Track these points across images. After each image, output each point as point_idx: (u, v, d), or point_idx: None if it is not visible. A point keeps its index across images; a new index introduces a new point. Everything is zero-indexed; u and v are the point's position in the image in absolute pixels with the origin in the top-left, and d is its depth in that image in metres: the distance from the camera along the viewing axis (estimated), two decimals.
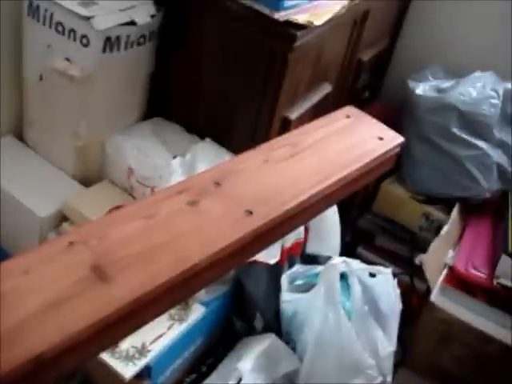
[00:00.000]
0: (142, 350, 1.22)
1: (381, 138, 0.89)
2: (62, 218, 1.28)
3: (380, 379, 1.37)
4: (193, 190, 0.69)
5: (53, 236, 1.26)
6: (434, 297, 1.51)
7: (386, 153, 0.88)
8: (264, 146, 0.81)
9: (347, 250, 1.75)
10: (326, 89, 1.53)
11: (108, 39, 1.17)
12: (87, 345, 0.53)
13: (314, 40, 1.28)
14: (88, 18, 1.16)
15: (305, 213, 0.75)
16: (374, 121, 0.94)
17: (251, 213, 0.68)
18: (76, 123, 1.27)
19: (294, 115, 1.38)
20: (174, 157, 1.28)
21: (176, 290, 0.60)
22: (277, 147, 0.81)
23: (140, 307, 0.56)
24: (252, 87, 1.27)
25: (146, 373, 1.24)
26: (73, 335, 0.52)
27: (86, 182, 1.36)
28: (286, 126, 1.37)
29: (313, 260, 1.54)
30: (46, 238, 1.26)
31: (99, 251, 0.59)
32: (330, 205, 0.85)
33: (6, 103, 1.38)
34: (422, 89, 1.71)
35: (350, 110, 0.95)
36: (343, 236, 1.70)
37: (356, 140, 0.88)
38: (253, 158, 0.78)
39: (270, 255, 1.33)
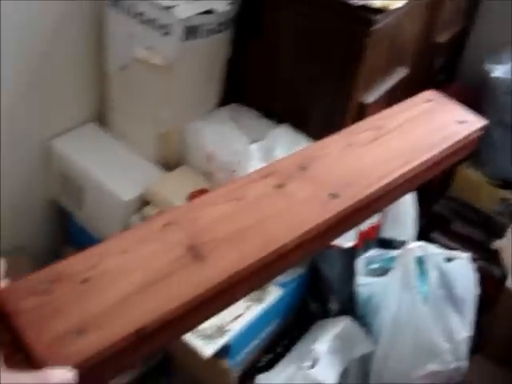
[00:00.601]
0: (221, 330, 1.26)
1: (463, 122, 0.88)
2: (144, 201, 1.33)
3: (455, 364, 1.36)
4: (278, 174, 0.71)
5: (136, 219, 1.31)
6: (511, 283, 1.49)
7: (469, 136, 0.87)
8: (346, 131, 0.82)
9: (422, 235, 1.73)
10: (402, 72, 1.52)
11: (188, 28, 1.20)
12: (183, 321, 0.56)
13: (390, 24, 1.27)
14: (169, 8, 1.20)
15: (388, 196, 0.76)
16: (455, 104, 0.93)
17: (336, 196, 0.69)
18: (158, 110, 1.31)
19: (369, 100, 1.38)
20: (253, 142, 1.30)
21: (264, 271, 0.62)
22: (359, 131, 0.82)
23: (231, 286, 0.59)
24: (329, 73, 1.28)
25: (224, 352, 1.28)
26: (169, 311, 0.54)
27: (167, 167, 1.40)
28: (362, 111, 1.37)
29: (388, 244, 1.54)
30: (128, 222, 1.31)
31: (192, 232, 0.62)
32: (412, 188, 0.85)
33: (90, 91, 1.44)
34: (499, 71, 1.67)
35: (430, 93, 0.94)
36: (419, 221, 1.69)
37: (438, 124, 0.87)
38: (336, 142, 0.79)
39: (345, 239, 1.34)
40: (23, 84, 1.30)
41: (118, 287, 0.56)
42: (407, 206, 1.50)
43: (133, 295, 0.55)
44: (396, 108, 0.89)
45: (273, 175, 0.71)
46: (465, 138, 0.86)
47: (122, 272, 0.57)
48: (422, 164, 0.79)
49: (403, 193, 0.82)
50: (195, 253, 0.59)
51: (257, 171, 0.72)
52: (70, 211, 1.47)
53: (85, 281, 0.56)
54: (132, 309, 0.54)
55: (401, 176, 0.75)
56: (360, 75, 1.27)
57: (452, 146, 0.84)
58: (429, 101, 0.93)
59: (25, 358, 0.50)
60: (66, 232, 1.55)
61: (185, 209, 0.66)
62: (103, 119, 1.48)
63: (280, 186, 0.69)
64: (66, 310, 0.53)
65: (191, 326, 0.60)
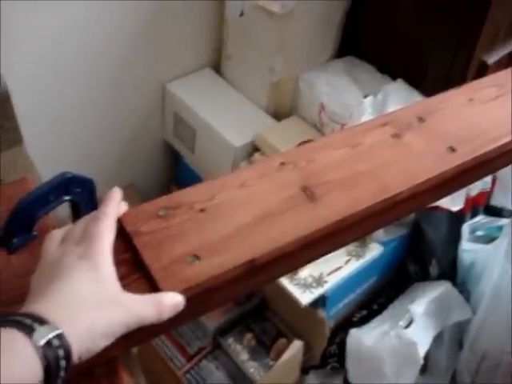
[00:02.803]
0: (320, 280, 1.27)
1: None
2: (254, 148, 1.35)
3: None
4: (396, 124, 0.70)
5: (244, 165, 1.34)
6: None
7: None
8: (468, 86, 0.79)
9: None
10: None
11: None
12: (293, 257, 0.57)
13: None
14: None
15: (506, 156, 0.73)
16: None
17: (454, 149, 0.68)
18: (272, 59, 1.32)
19: (491, 60, 1.32)
20: (366, 96, 1.29)
21: (376, 217, 0.62)
22: (482, 87, 0.79)
23: (342, 228, 0.60)
24: (451, 28, 1.24)
25: (320, 302, 1.30)
26: (281, 246, 0.56)
27: (278, 116, 1.41)
28: (482, 71, 1.31)
29: (497, 212, 1.49)
30: (238, 167, 1.34)
31: (307, 173, 0.63)
32: None
33: (207, 37, 1.47)
34: None
35: None
36: None
37: None
38: (457, 96, 0.77)
39: (453, 202, 1.31)
40: (143, 30, 1.34)
41: (233, 219, 0.58)
42: None
43: (247, 228, 0.57)
44: None
45: (390, 124, 0.70)
46: None
47: (238, 205, 0.59)
48: None
49: None
50: (309, 193, 0.60)
51: (375, 119, 0.72)
52: (181, 153, 1.52)
53: (202, 210, 0.58)
54: (245, 240, 0.56)
55: None
56: (483, 34, 1.22)
57: None
58: None
59: (141, 277, 0.53)
60: (175, 173, 1.61)
61: (302, 150, 0.67)
62: (220, 66, 1.51)
63: (397, 136, 0.69)
64: (183, 236, 0.55)
65: (300, 264, 0.62)
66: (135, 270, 0.53)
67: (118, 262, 0.52)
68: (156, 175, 1.60)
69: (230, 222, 0.57)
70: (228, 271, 0.54)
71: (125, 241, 0.55)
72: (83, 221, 0.54)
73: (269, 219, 0.58)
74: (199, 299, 0.53)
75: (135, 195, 1.54)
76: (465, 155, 0.68)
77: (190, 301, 0.52)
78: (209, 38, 1.48)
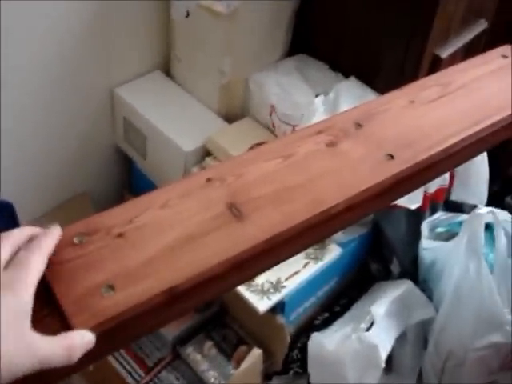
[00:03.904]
0: (277, 286, 1.24)
1: None
2: (205, 152, 1.31)
3: None
4: (332, 131, 0.67)
5: (196, 170, 1.30)
6: None
7: None
8: (410, 86, 0.76)
9: (495, 200, 1.65)
10: (482, 25, 1.42)
11: None
12: (219, 280, 0.54)
13: None
14: None
15: (451, 159, 0.70)
16: None
17: (393, 156, 0.65)
18: (221, 60, 1.28)
19: (445, 53, 1.30)
20: (317, 95, 1.25)
21: (310, 232, 0.59)
22: (424, 87, 0.76)
23: (273, 247, 0.56)
24: (401, 23, 1.21)
25: (279, 308, 1.27)
26: (206, 270, 0.52)
27: (230, 118, 1.37)
28: (436, 65, 1.29)
29: (457, 208, 1.48)
30: (189, 172, 1.30)
31: (235, 189, 0.59)
32: (480, 151, 0.79)
33: (155, 39, 1.42)
34: None
35: (506, 49, 0.86)
36: (491, 184, 1.61)
37: None
38: (398, 98, 0.73)
39: (411, 200, 1.28)
40: (88, 32, 1.29)
41: (153, 243, 0.54)
42: (479, 168, 1.43)
43: (168, 252, 0.53)
44: (466, 63, 0.83)
45: (326, 132, 0.67)
46: None
47: (159, 227, 0.55)
48: (490, 126, 0.72)
49: (468, 156, 0.76)
50: (235, 211, 0.57)
51: (310, 127, 0.68)
52: (134, 159, 1.47)
53: (121, 235, 0.54)
54: (165, 266, 0.52)
55: (465, 138, 0.70)
56: (434, 27, 1.19)
57: None
58: (504, 57, 0.85)
59: (52, 312, 0.49)
60: (128, 179, 1.57)
61: (230, 164, 0.63)
62: (170, 68, 1.46)
63: (333, 144, 0.65)
64: (98, 265, 0.52)
65: (229, 286, 0.58)
66: (47, 304, 0.49)
67: None
68: (109, 182, 1.56)
69: (149, 246, 0.54)
70: (145, 301, 0.50)
71: None
72: (12, 242, 0.49)
73: (192, 242, 0.54)
74: (115, 333, 0.50)
75: (88, 204, 1.49)
76: (404, 162, 0.65)
77: (104, 335, 0.48)
78: (157, 40, 1.43)
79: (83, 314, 0.48)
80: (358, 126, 0.68)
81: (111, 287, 0.50)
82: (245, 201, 0.58)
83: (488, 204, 1.58)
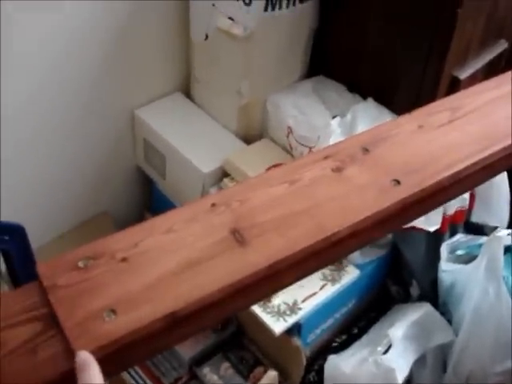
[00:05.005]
0: (294, 308, 1.24)
1: None
2: (223, 173, 1.32)
3: None
4: (339, 156, 0.67)
5: (214, 191, 1.31)
6: None
7: None
8: (420, 111, 0.76)
9: None
10: (502, 46, 1.41)
11: None
12: (220, 306, 0.54)
13: None
14: None
15: (460, 184, 0.70)
16: None
17: (399, 182, 0.64)
18: (239, 82, 1.29)
19: (463, 75, 1.29)
20: (334, 117, 1.26)
21: (313, 258, 0.59)
22: (435, 112, 0.76)
23: (275, 273, 0.56)
24: (418, 45, 1.21)
25: (295, 330, 1.26)
26: (206, 295, 0.53)
27: (248, 139, 1.39)
28: (454, 87, 1.29)
29: (478, 230, 1.46)
30: (208, 193, 1.31)
31: (240, 214, 0.59)
32: (491, 176, 0.78)
33: (176, 61, 1.44)
34: None
35: None
36: None
37: None
38: (407, 123, 0.73)
39: (429, 222, 1.28)
40: (109, 54, 1.32)
41: (156, 267, 0.54)
42: (500, 188, 1.41)
43: (170, 277, 0.54)
44: (478, 87, 0.82)
45: (333, 157, 0.67)
46: None
47: (162, 252, 0.56)
48: (500, 151, 0.72)
49: (479, 181, 0.75)
50: (238, 237, 0.57)
51: (316, 152, 0.69)
52: (154, 179, 1.49)
53: (124, 259, 0.55)
54: (167, 291, 0.53)
55: (474, 164, 0.69)
56: (452, 48, 1.19)
57: None
58: None
59: (56, 335, 0.50)
60: (149, 199, 1.58)
61: (236, 189, 0.64)
62: (189, 89, 1.48)
63: (339, 169, 0.65)
64: (101, 289, 0.52)
65: (231, 311, 0.58)
66: (51, 327, 0.51)
67: (35, 318, 0.50)
68: (130, 202, 1.58)
69: (152, 271, 0.54)
70: (146, 326, 0.50)
71: (43, 294, 0.52)
72: None
73: (194, 267, 0.55)
74: (116, 356, 0.50)
75: (109, 223, 1.51)
76: (410, 188, 0.64)
77: (105, 359, 0.49)
78: (178, 62, 1.45)
79: (84, 337, 0.49)
80: (366, 151, 0.68)
81: (113, 311, 0.51)
82: (248, 226, 0.58)
83: (511, 225, 1.56)
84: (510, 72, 0.87)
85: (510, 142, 0.73)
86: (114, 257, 0.55)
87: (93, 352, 0.48)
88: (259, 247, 0.57)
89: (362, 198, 0.63)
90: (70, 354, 0.48)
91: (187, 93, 1.48)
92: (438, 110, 0.76)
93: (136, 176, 1.55)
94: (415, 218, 0.70)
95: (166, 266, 0.55)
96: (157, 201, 1.54)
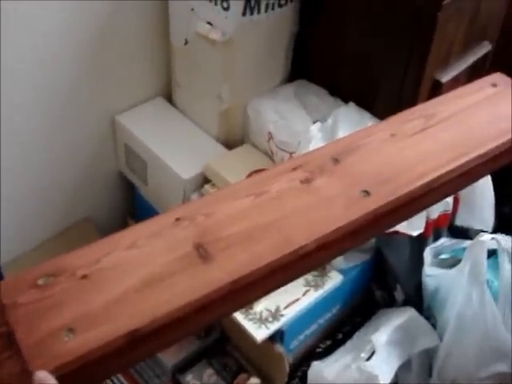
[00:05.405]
0: (276, 314, 1.23)
1: None
2: (204, 179, 1.31)
3: None
4: (308, 167, 0.66)
5: (195, 197, 1.29)
6: None
7: None
8: (394, 118, 0.75)
9: (506, 222, 1.62)
10: (486, 48, 1.40)
11: (248, 2, 1.15)
12: (184, 323, 0.53)
13: None
14: None
15: (433, 193, 0.69)
16: None
17: (369, 193, 0.63)
18: (219, 87, 1.28)
19: (446, 78, 1.28)
20: (316, 121, 1.25)
21: (280, 272, 0.58)
22: (408, 120, 0.75)
23: (239, 289, 0.55)
24: (398, 48, 1.20)
25: (278, 337, 1.25)
26: (168, 313, 0.52)
27: (230, 144, 1.37)
28: (436, 90, 1.28)
29: (463, 233, 1.45)
30: (189, 199, 1.30)
31: (204, 228, 0.58)
32: (466, 184, 0.77)
33: (157, 66, 1.43)
34: None
35: (497, 77, 0.85)
36: (503, 207, 1.58)
37: (501, 112, 0.78)
38: (379, 131, 0.72)
39: (412, 227, 1.27)
40: (89, 59, 1.30)
41: (117, 284, 0.53)
42: (483, 191, 1.40)
43: (130, 294, 0.53)
44: (453, 93, 0.81)
45: (302, 168, 0.66)
46: None
47: (124, 269, 0.55)
48: (474, 159, 0.71)
49: (452, 190, 0.75)
50: (203, 252, 0.56)
51: (285, 163, 0.68)
52: (136, 185, 1.48)
53: (85, 276, 0.54)
54: (128, 308, 0.52)
55: (448, 173, 0.68)
56: (432, 51, 1.17)
57: None
58: (494, 85, 0.84)
59: (14, 355, 0.49)
60: (132, 205, 1.57)
61: (200, 203, 0.62)
62: (171, 94, 1.47)
63: (307, 181, 0.64)
64: (60, 307, 0.51)
65: (195, 328, 0.57)
66: (9, 347, 0.50)
67: None
68: (113, 208, 1.56)
69: (113, 288, 0.53)
70: (105, 345, 0.49)
71: (2, 313, 0.51)
72: None
73: (156, 284, 0.54)
74: (76, 376, 0.49)
75: (92, 230, 1.49)
76: (380, 198, 0.63)
77: (65, 379, 0.48)
78: (159, 67, 1.44)
79: (42, 358, 0.48)
80: (336, 161, 0.67)
81: (71, 330, 0.50)
82: (212, 241, 0.57)
83: (500, 227, 1.55)
84: (485, 78, 0.86)
85: (483, 151, 0.72)
86: (75, 274, 0.54)
87: (51, 372, 0.47)
88: (223, 262, 0.56)
89: (330, 209, 0.62)
90: (28, 374, 0.47)
91: (169, 98, 1.47)
92: (411, 118, 0.76)
93: (118, 182, 1.53)
94: (390, 227, 0.69)
95: (128, 283, 0.54)
96: (140, 207, 1.52)
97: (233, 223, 0.59)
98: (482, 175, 0.79)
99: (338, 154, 0.68)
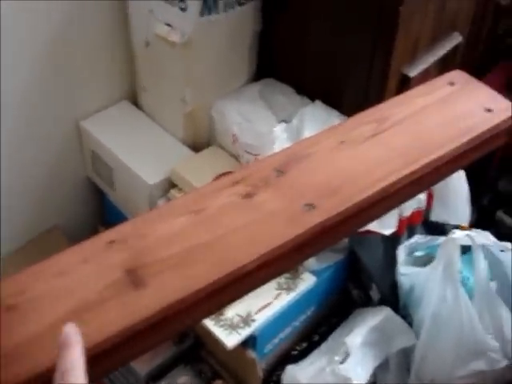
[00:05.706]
0: (247, 320, 1.20)
1: (489, 110, 0.76)
2: (171, 184, 1.28)
3: (505, 363, 1.25)
4: (251, 180, 0.63)
5: (162, 202, 1.27)
6: None
7: (495, 127, 0.75)
8: (341, 125, 0.73)
9: (485, 215, 1.61)
10: (456, 39, 1.37)
11: (205, 2, 1.12)
12: (112, 354, 0.51)
13: None
14: None
15: (383, 203, 0.66)
16: (485, 88, 0.81)
17: (313, 206, 0.61)
18: (182, 89, 1.25)
19: (414, 72, 1.26)
20: (281, 122, 1.22)
21: (219, 295, 0.55)
22: (358, 125, 0.72)
23: (174, 314, 0.53)
24: (362, 45, 1.17)
25: (250, 342, 1.23)
26: (98, 343, 0.49)
27: (197, 147, 1.35)
28: (405, 84, 1.25)
29: (438, 229, 1.43)
30: (155, 204, 1.28)
31: (138, 251, 0.56)
32: (420, 191, 0.74)
33: (121, 69, 1.40)
34: None
35: (455, 75, 0.82)
36: (480, 199, 1.57)
37: (458, 112, 0.76)
38: (327, 139, 0.69)
39: (384, 226, 1.25)
40: (50, 63, 1.27)
41: (44, 316, 0.51)
42: (457, 186, 1.37)
43: (59, 325, 0.50)
44: (407, 94, 0.78)
45: (244, 182, 0.63)
46: (489, 130, 0.75)
47: (51, 298, 0.52)
48: (428, 164, 0.68)
49: (405, 197, 0.72)
50: (134, 277, 0.53)
51: (226, 177, 0.65)
52: (104, 191, 1.45)
53: (10, 308, 0.51)
54: (53, 342, 0.49)
55: (398, 181, 0.65)
56: (397, 45, 1.15)
57: (471, 140, 0.72)
58: (451, 84, 0.81)
59: None
60: (101, 210, 1.54)
61: (135, 223, 0.59)
62: (137, 97, 1.44)
63: (249, 195, 0.62)
64: None
65: (126, 359, 0.55)
66: None
67: None
68: (82, 214, 1.53)
69: (39, 320, 0.51)
70: (31, 379, 0.47)
71: None
72: None
73: (85, 313, 0.51)
74: None
75: (61, 238, 1.46)
76: (325, 212, 0.61)
77: None
78: (123, 70, 1.41)
79: None
80: (280, 173, 0.64)
81: None
82: (146, 264, 0.55)
83: (478, 220, 1.53)
84: (443, 76, 0.83)
85: (437, 155, 0.70)
86: (1, 304, 0.52)
87: None
88: (155, 288, 0.53)
89: (273, 226, 0.59)
90: None
91: (135, 101, 1.44)
92: (362, 123, 0.73)
93: (87, 187, 1.50)
94: (341, 238, 0.67)
95: (56, 313, 0.51)
96: (109, 212, 1.50)
97: (169, 244, 0.56)
98: (436, 180, 0.76)
99: (282, 165, 0.65)
